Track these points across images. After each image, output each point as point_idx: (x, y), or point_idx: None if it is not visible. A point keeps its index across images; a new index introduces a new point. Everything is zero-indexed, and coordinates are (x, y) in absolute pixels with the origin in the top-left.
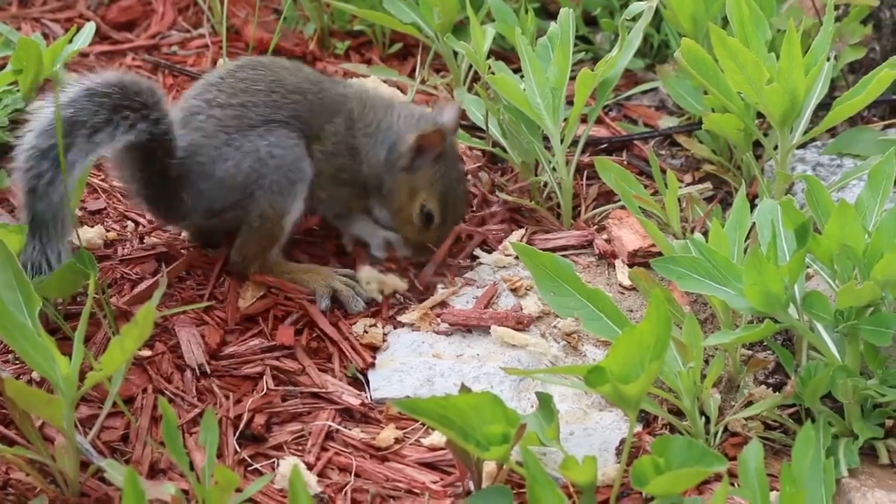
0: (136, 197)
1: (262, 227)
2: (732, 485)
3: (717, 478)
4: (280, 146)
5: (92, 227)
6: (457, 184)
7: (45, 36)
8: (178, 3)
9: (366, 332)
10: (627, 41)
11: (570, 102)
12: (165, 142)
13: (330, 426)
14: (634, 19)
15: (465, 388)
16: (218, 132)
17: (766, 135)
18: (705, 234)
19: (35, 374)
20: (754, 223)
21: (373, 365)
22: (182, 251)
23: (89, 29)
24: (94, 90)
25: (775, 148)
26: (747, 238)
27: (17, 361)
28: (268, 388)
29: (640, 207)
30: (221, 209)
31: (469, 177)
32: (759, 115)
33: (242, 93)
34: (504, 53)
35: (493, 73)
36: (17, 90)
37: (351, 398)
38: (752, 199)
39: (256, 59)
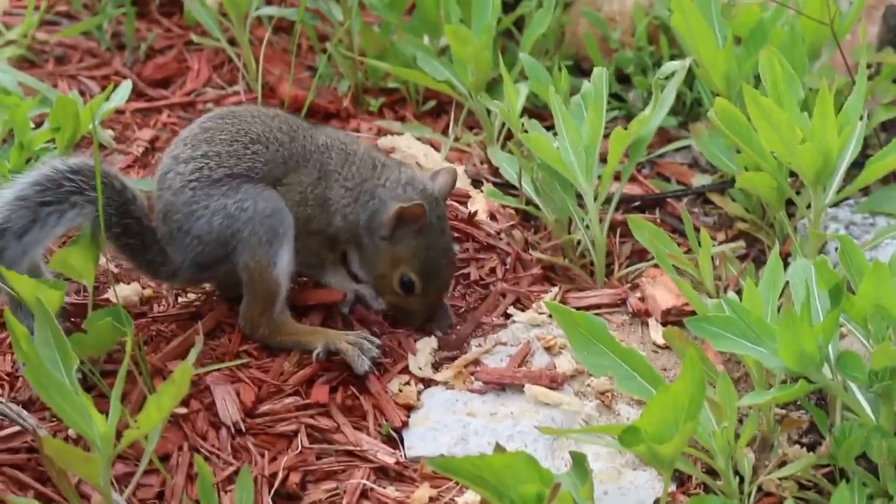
0: (123, 261)
1: (251, 282)
2: None
3: None
4: (249, 198)
5: (128, 284)
6: (442, 254)
7: (82, 93)
8: (213, 61)
9: (400, 390)
10: (661, 99)
11: (603, 160)
12: (117, 210)
13: (365, 484)
14: (668, 78)
15: (499, 448)
16: (183, 188)
17: (798, 193)
18: (739, 292)
19: (71, 432)
20: (787, 282)
21: (407, 423)
22: (214, 308)
23: (126, 87)
24: (19, 194)
25: (808, 206)
26: (780, 297)
27: (54, 419)
28: (302, 446)
29: (673, 266)
30: (210, 263)
31: (502, 235)
32: (792, 173)
33: (205, 143)
34: (537, 111)
35: (526, 132)
36: (55, 147)
37: (385, 456)
38: (785, 258)
39: (229, 108)
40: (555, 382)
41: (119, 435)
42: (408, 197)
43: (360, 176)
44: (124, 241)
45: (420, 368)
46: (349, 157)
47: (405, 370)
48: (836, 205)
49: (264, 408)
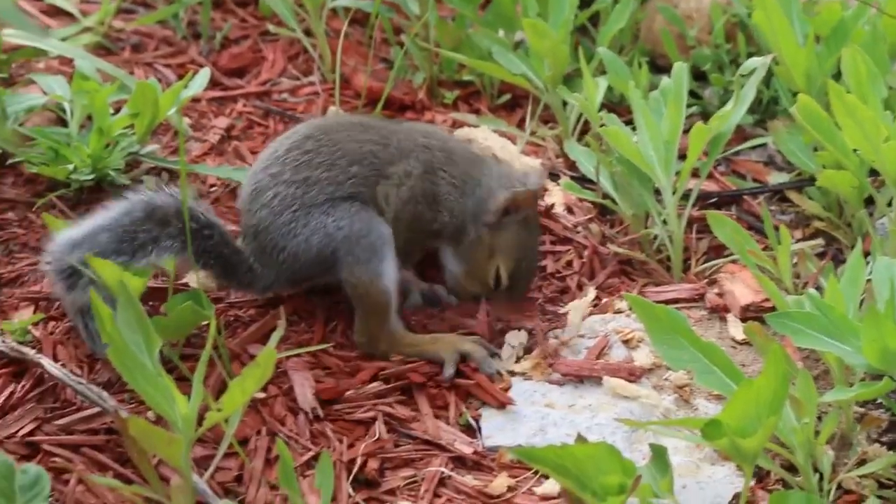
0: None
1: (358, 299)
2: None
3: None
4: (345, 218)
5: None
6: (532, 254)
7: (158, 80)
8: (288, 51)
9: (491, 379)
10: (741, 96)
11: (680, 156)
12: (198, 247)
13: (443, 473)
14: (748, 75)
15: (581, 438)
16: (283, 210)
17: (878, 191)
18: (818, 290)
19: (150, 415)
20: (868, 280)
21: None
22: (292, 294)
23: (204, 74)
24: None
25: (889, 204)
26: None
27: (133, 401)
28: (380, 433)
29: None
30: (307, 277)
31: (579, 228)
32: (871, 171)
33: (306, 167)
34: (612, 106)
35: (604, 126)
36: (133, 133)
37: (463, 446)
38: (864, 256)
39: (321, 126)
40: (633, 375)
41: (198, 418)
42: (513, 185)
43: (466, 172)
44: (209, 269)
45: (502, 360)
46: (451, 155)
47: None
48: None
49: (343, 394)
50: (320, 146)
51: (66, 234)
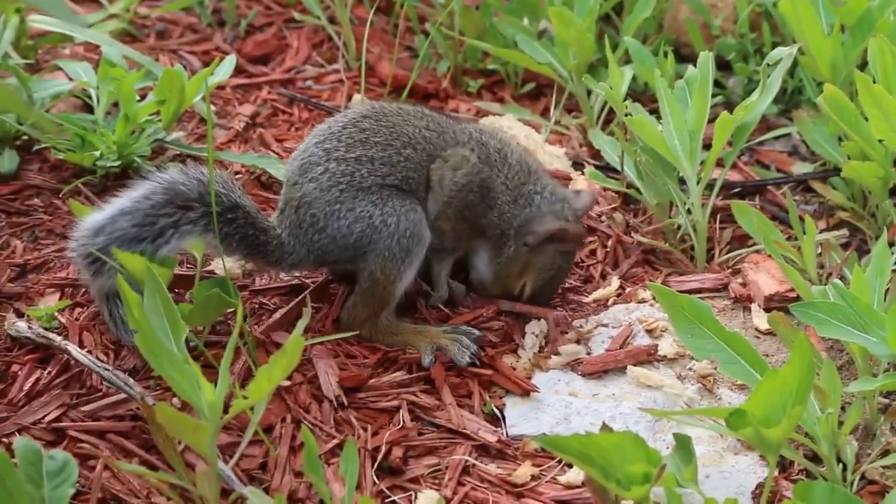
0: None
1: (371, 289)
2: None
3: None
4: (394, 214)
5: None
6: (561, 276)
7: (183, 67)
8: (313, 39)
9: (514, 368)
10: (767, 86)
11: (705, 146)
12: (228, 222)
13: (466, 461)
14: (772, 65)
15: (606, 427)
16: (331, 187)
17: None
18: (842, 280)
19: (175, 401)
20: (893, 270)
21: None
22: (316, 281)
23: (230, 61)
24: (115, 237)
25: None
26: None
27: (158, 388)
28: (404, 421)
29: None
30: (334, 261)
31: (603, 217)
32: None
33: (361, 144)
34: (636, 96)
35: (629, 115)
36: (159, 120)
37: (487, 434)
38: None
39: (380, 107)
40: (651, 356)
41: (224, 405)
42: (564, 215)
43: (519, 178)
44: (234, 252)
45: (525, 349)
46: (507, 156)
47: (514, 351)
48: None
49: (366, 382)
50: (378, 126)
51: (89, 219)
